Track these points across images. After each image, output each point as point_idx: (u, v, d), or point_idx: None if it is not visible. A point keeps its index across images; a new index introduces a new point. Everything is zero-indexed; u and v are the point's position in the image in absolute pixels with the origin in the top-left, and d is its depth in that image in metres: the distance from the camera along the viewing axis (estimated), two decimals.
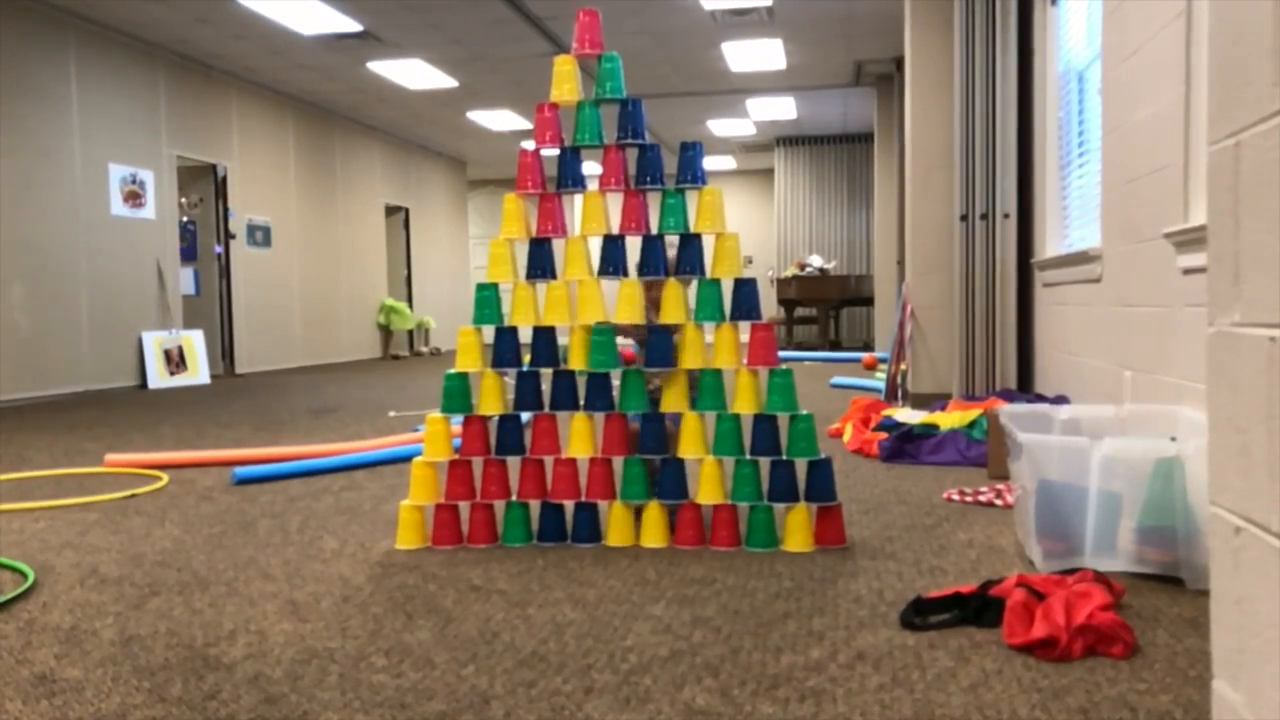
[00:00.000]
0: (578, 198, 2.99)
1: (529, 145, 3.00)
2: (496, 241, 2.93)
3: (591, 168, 2.94)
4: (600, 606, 2.25)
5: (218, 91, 10.11)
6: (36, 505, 3.52)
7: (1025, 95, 5.55)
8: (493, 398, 2.88)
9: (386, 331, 13.61)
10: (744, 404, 2.79)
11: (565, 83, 2.94)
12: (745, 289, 2.84)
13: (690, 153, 2.91)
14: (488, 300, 2.92)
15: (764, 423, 2.79)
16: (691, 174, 2.88)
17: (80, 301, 8.22)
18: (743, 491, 2.78)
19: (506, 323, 2.90)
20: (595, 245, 2.95)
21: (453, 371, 2.90)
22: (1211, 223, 1.16)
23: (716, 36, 9.28)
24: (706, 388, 2.81)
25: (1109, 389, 3.91)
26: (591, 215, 2.91)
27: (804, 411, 2.79)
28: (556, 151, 2.95)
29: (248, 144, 10.58)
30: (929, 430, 4.34)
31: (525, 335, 2.91)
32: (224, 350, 10.21)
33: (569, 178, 2.95)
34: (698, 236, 2.86)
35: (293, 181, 11.48)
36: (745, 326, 2.86)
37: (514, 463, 2.90)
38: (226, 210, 10.23)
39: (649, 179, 2.89)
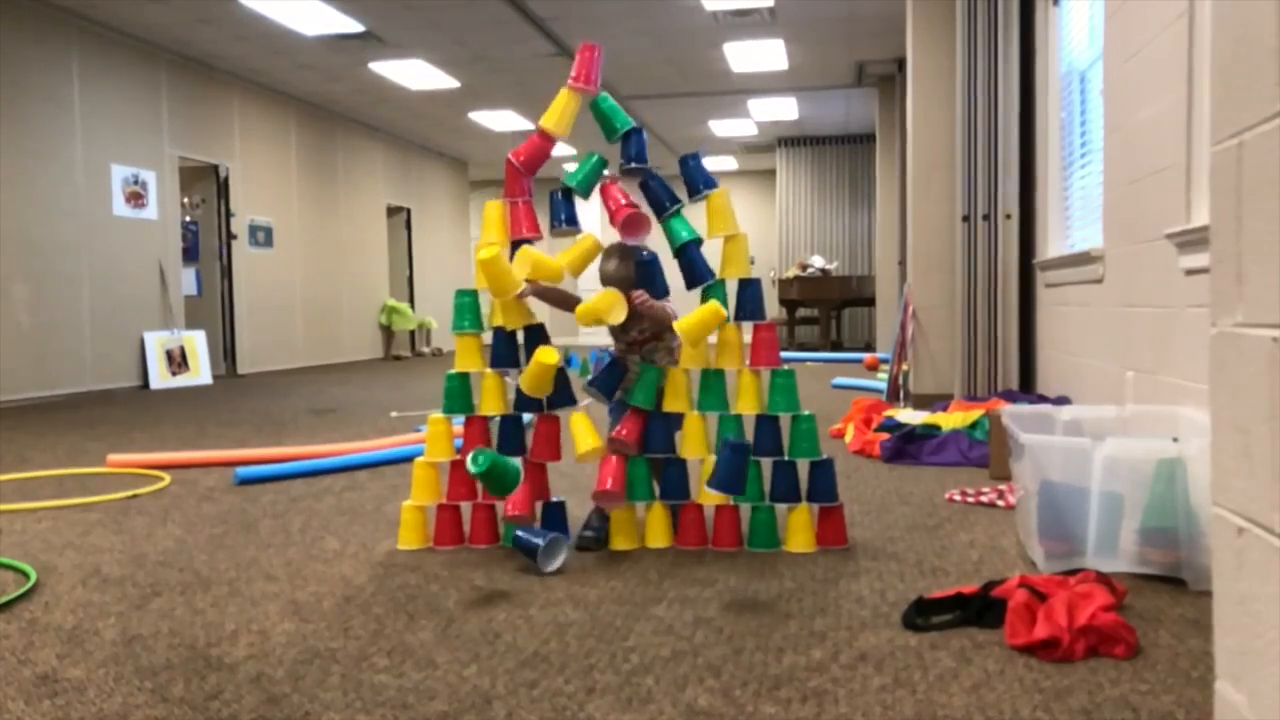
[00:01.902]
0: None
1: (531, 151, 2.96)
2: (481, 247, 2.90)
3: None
4: (602, 607, 2.25)
5: (220, 92, 10.11)
6: (39, 505, 3.52)
7: (1027, 95, 5.55)
8: (493, 398, 2.88)
9: (388, 332, 13.62)
10: (746, 404, 2.79)
11: (558, 115, 2.87)
12: (750, 290, 2.83)
13: (692, 163, 2.87)
14: (465, 307, 2.89)
15: (766, 423, 2.79)
16: (700, 184, 2.84)
17: (82, 302, 8.22)
18: (745, 492, 2.77)
19: (487, 326, 2.89)
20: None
21: (453, 372, 2.89)
22: (1214, 223, 1.16)
23: (718, 37, 9.28)
24: (709, 388, 2.81)
25: (1111, 390, 3.90)
26: (578, 254, 2.86)
27: (806, 412, 2.79)
28: (532, 178, 2.93)
29: (250, 144, 10.59)
30: (931, 431, 4.34)
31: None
32: (226, 350, 10.22)
33: (561, 216, 2.91)
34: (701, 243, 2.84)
35: (294, 182, 11.49)
36: (747, 326, 2.85)
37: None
38: (228, 211, 10.24)
39: (657, 210, 2.87)
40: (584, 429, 2.77)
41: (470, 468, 2.43)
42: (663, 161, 19.08)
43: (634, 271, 2.86)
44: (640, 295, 2.83)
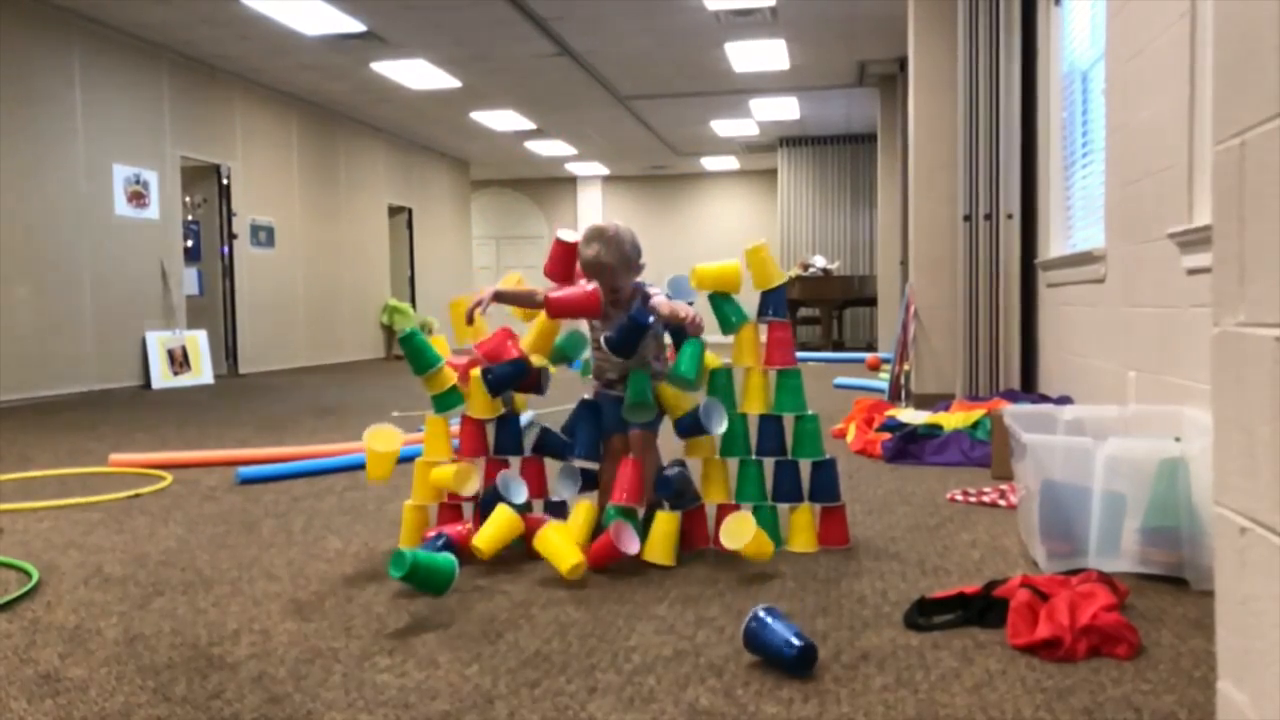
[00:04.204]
0: None
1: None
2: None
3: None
4: (604, 606, 2.24)
5: (221, 92, 10.12)
6: (41, 505, 3.52)
7: (1029, 95, 5.55)
8: (483, 401, 2.84)
9: (390, 331, 13.62)
10: (753, 404, 2.78)
11: (539, 334, 2.82)
12: (777, 293, 2.80)
13: (669, 294, 2.82)
14: (417, 348, 2.82)
15: (770, 423, 2.78)
16: (681, 286, 2.80)
17: (84, 301, 8.23)
18: (747, 492, 2.77)
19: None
20: None
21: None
22: (1216, 223, 1.16)
23: (720, 37, 9.27)
24: (715, 389, 2.80)
25: (1113, 389, 3.90)
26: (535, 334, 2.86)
27: (810, 412, 2.79)
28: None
29: (251, 144, 10.60)
30: (932, 431, 4.33)
31: None
32: (227, 350, 10.22)
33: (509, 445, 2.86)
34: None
35: (296, 182, 11.50)
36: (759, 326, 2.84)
37: (515, 463, 2.90)
38: (230, 210, 10.24)
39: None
40: (562, 543, 2.50)
41: (391, 572, 2.19)
42: (666, 162, 18.79)
43: (615, 258, 2.68)
44: (670, 304, 2.68)
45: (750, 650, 1.88)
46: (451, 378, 2.83)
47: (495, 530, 2.57)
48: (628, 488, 2.65)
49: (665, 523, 2.59)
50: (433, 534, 2.66)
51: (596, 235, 2.70)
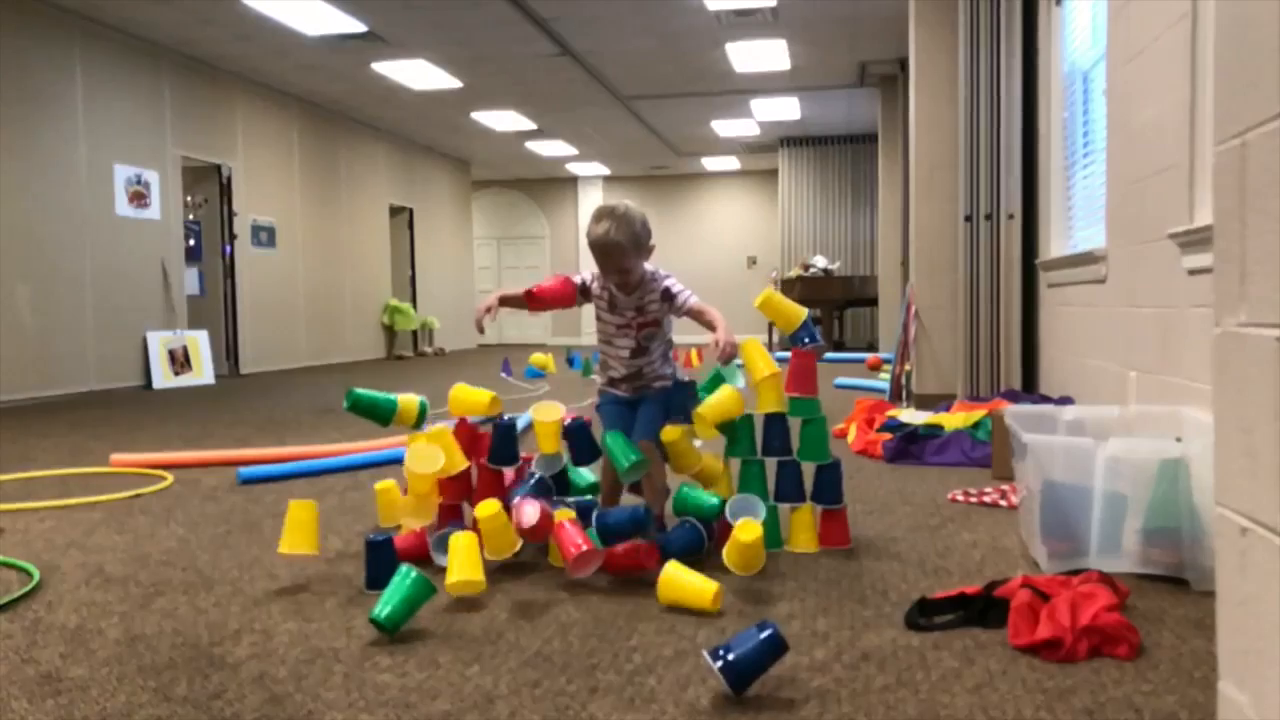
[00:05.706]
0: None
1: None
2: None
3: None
4: (604, 606, 2.24)
5: (222, 92, 10.12)
6: (42, 505, 3.52)
7: (1030, 95, 5.55)
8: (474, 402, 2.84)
9: (391, 331, 13.63)
10: (767, 405, 2.75)
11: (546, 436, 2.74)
12: (805, 326, 2.80)
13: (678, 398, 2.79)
14: (370, 406, 2.81)
15: (776, 422, 2.77)
16: (678, 403, 2.75)
17: (85, 301, 8.23)
18: (749, 491, 2.77)
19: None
20: None
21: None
22: (1217, 223, 1.16)
23: (720, 37, 9.28)
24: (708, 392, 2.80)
25: (1114, 390, 3.90)
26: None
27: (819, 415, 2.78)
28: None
29: (252, 144, 10.60)
30: (933, 431, 4.33)
31: None
32: (228, 350, 10.23)
33: (504, 455, 2.81)
34: None
35: (297, 182, 11.50)
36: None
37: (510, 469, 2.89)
38: (231, 210, 10.24)
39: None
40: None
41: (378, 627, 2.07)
42: (666, 162, 18.79)
43: (625, 237, 2.60)
44: (708, 309, 2.61)
45: (740, 682, 1.71)
46: (414, 403, 2.84)
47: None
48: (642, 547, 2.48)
49: (693, 591, 2.22)
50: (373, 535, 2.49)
51: (606, 213, 2.64)
